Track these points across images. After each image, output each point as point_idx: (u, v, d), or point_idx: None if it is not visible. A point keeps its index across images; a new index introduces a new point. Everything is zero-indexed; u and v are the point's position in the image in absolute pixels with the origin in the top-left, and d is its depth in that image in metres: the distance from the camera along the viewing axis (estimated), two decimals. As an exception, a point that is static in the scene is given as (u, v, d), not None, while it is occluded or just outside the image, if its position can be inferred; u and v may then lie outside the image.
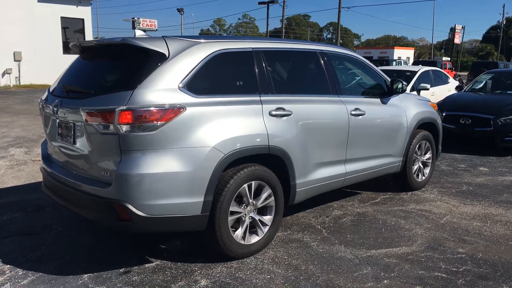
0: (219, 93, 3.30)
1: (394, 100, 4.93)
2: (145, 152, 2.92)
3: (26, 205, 4.67)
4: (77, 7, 23.68)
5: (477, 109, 7.96)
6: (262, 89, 3.58)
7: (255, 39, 3.78)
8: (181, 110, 3.02)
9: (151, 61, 3.08)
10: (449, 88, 11.29)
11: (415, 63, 33.83)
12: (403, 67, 11.91)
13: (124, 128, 2.87)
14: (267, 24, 45.83)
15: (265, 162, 3.55)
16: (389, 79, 4.89)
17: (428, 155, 5.55)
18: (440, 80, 11.61)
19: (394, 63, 31.91)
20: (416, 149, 5.28)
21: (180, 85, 3.09)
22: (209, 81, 3.32)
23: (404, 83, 4.85)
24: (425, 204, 4.97)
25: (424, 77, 10.81)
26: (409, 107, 5.11)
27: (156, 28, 42.38)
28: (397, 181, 5.39)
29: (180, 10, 50.80)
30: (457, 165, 6.91)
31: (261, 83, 3.59)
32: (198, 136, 3.07)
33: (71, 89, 3.35)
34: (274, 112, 3.56)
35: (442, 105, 8.46)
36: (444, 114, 8.12)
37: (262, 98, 3.54)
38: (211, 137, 3.12)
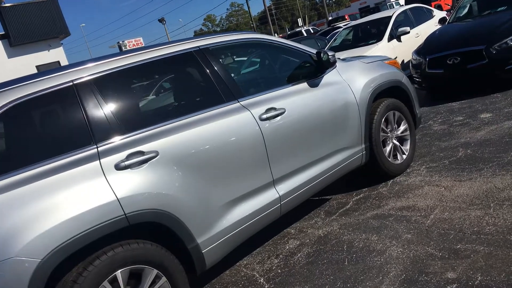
0: (19, 168, 2.21)
1: (330, 76, 3.72)
2: None
3: None
4: (49, 51, 23.11)
5: (464, 41, 6.43)
6: (100, 135, 2.48)
7: (79, 65, 2.63)
8: None
9: None
10: (436, 23, 9.74)
11: (408, 2, 31.53)
12: (373, 16, 10.34)
13: None
14: (248, 7, 44.41)
15: (138, 234, 2.48)
16: (315, 53, 3.68)
17: (402, 127, 4.30)
18: (423, 16, 10.05)
19: (385, 7, 29.81)
20: (382, 125, 4.06)
21: None
22: (-2, 155, 2.24)
23: (331, 53, 3.63)
24: (408, 196, 3.75)
25: (402, 19, 9.34)
26: (355, 78, 3.88)
27: (144, 45, 41.71)
28: (369, 173, 4.17)
29: (161, 20, 49.58)
30: (453, 119, 5.58)
31: (96, 127, 2.48)
32: (-13, 248, 2.02)
33: None
34: (125, 163, 2.46)
35: (423, 49, 7.01)
36: (427, 59, 6.73)
37: (100, 148, 2.44)
38: (9, 243, 2.06)
